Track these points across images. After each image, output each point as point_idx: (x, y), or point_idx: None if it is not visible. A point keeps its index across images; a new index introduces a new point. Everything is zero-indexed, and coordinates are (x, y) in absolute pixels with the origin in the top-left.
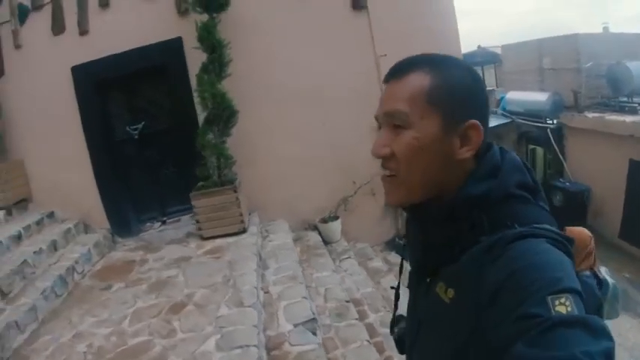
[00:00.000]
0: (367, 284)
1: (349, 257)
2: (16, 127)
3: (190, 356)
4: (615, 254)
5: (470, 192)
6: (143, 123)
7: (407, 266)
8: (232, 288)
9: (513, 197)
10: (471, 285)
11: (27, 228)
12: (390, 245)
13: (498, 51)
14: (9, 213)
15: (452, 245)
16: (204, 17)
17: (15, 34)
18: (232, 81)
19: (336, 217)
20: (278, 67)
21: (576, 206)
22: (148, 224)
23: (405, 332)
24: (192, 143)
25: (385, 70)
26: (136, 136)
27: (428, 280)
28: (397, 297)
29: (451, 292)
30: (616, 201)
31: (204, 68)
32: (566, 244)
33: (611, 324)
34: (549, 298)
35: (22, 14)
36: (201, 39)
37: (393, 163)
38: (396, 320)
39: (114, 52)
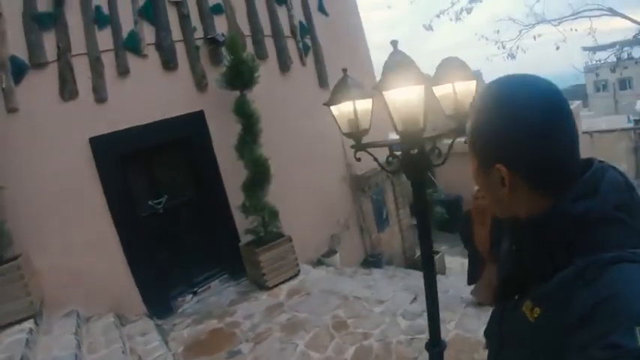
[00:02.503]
0: None
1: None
2: (19, 216)
3: None
4: None
5: (565, 210)
6: (166, 197)
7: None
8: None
9: (612, 219)
10: (560, 306)
11: (76, 336)
12: (365, 263)
13: None
14: (36, 322)
15: (545, 264)
16: (228, 92)
17: (7, 93)
18: None
19: (335, 251)
20: (283, 132)
21: (453, 211)
22: (180, 299)
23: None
24: (216, 211)
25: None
26: (161, 211)
27: (516, 297)
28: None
29: (537, 311)
30: None
31: (242, 138)
32: None
33: None
34: (638, 329)
35: (18, 70)
36: (237, 111)
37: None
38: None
39: (136, 124)
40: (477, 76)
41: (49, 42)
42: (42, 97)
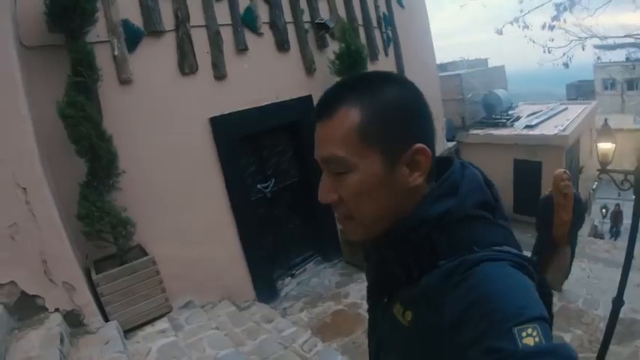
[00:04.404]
0: None
1: None
2: (133, 200)
3: None
4: (514, 224)
5: (426, 212)
6: (274, 180)
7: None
8: None
9: (473, 218)
10: (431, 310)
11: (218, 330)
12: None
13: None
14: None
15: (410, 268)
16: (334, 79)
17: (120, 62)
18: None
19: None
20: None
21: None
22: (280, 281)
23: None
24: (316, 195)
25: None
26: (269, 195)
27: (385, 300)
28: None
29: (409, 315)
30: (507, 188)
31: None
32: (527, 266)
33: None
34: (515, 329)
35: (132, 37)
36: None
37: (343, 207)
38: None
39: (252, 105)
40: (483, 64)
41: (166, 10)
42: (159, 69)
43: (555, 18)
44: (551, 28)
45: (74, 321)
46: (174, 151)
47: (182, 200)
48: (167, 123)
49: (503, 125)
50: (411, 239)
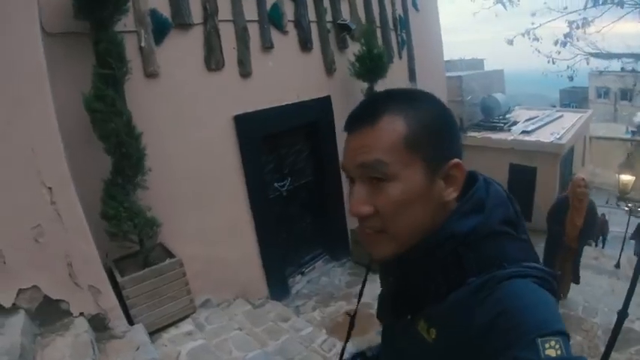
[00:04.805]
0: None
1: None
2: (156, 198)
3: None
4: None
5: (454, 229)
6: (290, 179)
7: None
8: None
9: (498, 234)
10: (458, 327)
11: (240, 330)
12: None
13: None
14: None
15: (438, 284)
16: (353, 80)
17: (146, 54)
18: None
19: None
20: None
21: None
22: (290, 279)
23: None
24: (329, 195)
25: None
26: (285, 193)
27: (409, 317)
28: (352, 326)
29: (434, 332)
30: None
31: None
32: (551, 282)
33: None
34: (539, 340)
35: (160, 29)
36: None
37: (377, 220)
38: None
39: (275, 104)
40: (479, 64)
41: (194, 1)
42: (185, 64)
43: (568, 35)
44: (564, 44)
45: (99, 325)
46: (198, 148)
47: (204, 198)
48: (192, 120)
49: (501, 129)
50: (437, 255)
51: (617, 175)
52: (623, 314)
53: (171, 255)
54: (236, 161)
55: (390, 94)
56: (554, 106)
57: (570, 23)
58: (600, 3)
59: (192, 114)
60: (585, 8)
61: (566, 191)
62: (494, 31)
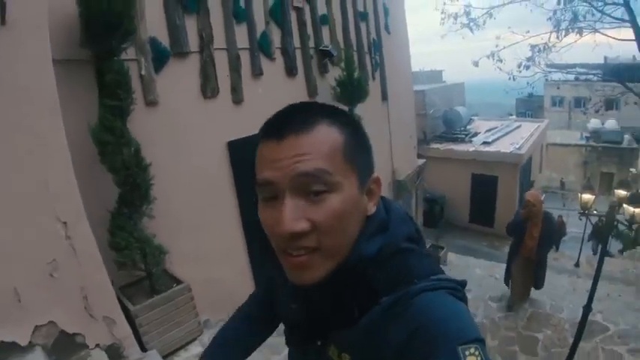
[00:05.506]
0: None
1: None
2: (157, 224)
3: None
4: (470, 233)
5: (362, 252)
6: None
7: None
8: None
9: (404, 250)
10: (374, 348)
11: None
12: None
13: None
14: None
15: (350, 310)
16: (334, 103)
17: (147, 83)
18: None
19: None
20: None
21: (437, 208)
22: None
23: None
24: None
25: None
26: None
27: (319, 343)
28: None
29: (346, 357)
30: (465, 200)
31: None
32: (461, 291)
33: None
34: (459, 349)
35: (159, 57)
36: None
37: (312, 238)
38: None
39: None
40: (438, 75)
41: (191, 29)
42: (183, 92)
43: (530, 59)
44: (527, 67)
45: (114, 355)
46: (195, 174)
47: (201, 223)
48: (189, 146)
49: (462, 140)
50: (349, 280)
51: (579, 195)
52: (587, 309)
53: (177, 281)
54: (229, 186)
55: (317, 103)
56: (511, 115)
57: (533, 47)
58: (562, 28)
59: (189, 141)
60: (550, 36)
61: (522, 210)
62: (462, 42)
